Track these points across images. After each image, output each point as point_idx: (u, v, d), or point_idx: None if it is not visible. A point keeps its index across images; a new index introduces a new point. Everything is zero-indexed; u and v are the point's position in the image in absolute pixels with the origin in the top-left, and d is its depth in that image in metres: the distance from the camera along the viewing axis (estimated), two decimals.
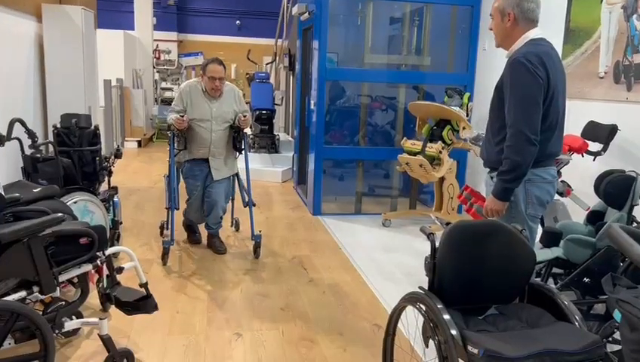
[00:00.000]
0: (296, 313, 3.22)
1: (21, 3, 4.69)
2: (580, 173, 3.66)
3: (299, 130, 6.58)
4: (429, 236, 2.10)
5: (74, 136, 4.03)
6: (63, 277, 2.27)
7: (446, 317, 1.86)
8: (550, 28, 4.13)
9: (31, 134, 3.42)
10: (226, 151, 4.11)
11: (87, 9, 5.26)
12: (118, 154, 4.49)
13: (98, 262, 2.37)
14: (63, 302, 2.30)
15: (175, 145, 4.07)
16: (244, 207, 4.21)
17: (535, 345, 1.74)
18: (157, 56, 11.35)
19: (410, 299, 2.12)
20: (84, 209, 3.60)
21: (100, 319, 2.32)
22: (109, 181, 4.20)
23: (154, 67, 11.02)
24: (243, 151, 4.20)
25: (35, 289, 2.18)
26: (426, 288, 2.10)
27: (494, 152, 2.44)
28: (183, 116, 3.89)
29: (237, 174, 4.31)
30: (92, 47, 5.54)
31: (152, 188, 6.45)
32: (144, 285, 2.60)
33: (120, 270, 2.50)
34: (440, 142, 4.74)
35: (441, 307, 1.90)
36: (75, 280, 2.35)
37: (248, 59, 8.74)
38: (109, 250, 2.43)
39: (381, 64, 5.76)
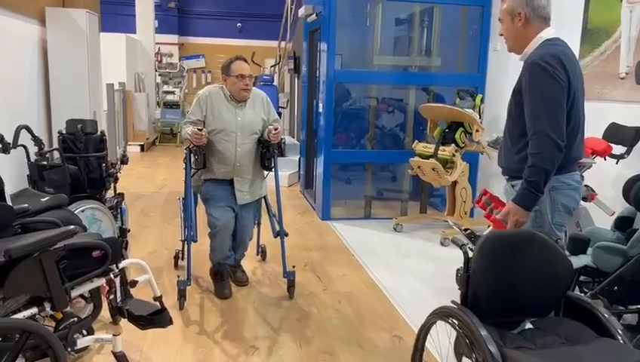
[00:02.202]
0: (312, 324, 3.11)
1: (24, 6, 4.59)
2: (601, 176, 3.56)
3: (305, 133, 6.48)
4: (462, 247, 2.00)
5: (80, 142, 3.93)
6: (75, 293, 2.16)
7: (484, 333, 1.76)
8: (567, 28, 4.03)
9: (37, 141, 3.32)
10: (253, 169, 3.40)
11: (91, 12, 5.15)
12: (124, 160, 4.40)
13: (111, 275, 2.27)
14: (75, 319, 2.19)
15: (192, 163, 3.36)
16: (275, 237, 3.55)
17: None
18: (159, 59, 11.25)
19: (442, 313, 2.02)
20: (92, 217, 3.50)
21: (114, 335, 2.22)
22: (114, 187, 4.10)
23: (156, 70, 10.92)
24: (272, 170, 3.49)
25: (47, 305, 2.08)
26: (459, 301, 2.00)
27: (515, 160, 2.32)
28: (201, 129, 3.17)
29: (265, 197, 3.61)
30: (96, 51, 5.44)
31: (157, 193, 6.35)
32: (158, 298, 2.50)
33: (134, 283, 2.40)
34: (453, 145, 4.64)
35: (478, 322, 1.79)
36: (88, 294, 2.25)
37: (253, 61, 8.63)
38: (123, 263, 2.32)
39: (390, 65, 5.66)
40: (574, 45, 4.10)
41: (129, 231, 4.04)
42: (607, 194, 3.42)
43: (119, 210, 3.93)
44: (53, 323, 2.19)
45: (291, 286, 3.45)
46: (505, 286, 1.95)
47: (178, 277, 3.29)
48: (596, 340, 1.83)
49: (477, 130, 4.69)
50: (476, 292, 1.93)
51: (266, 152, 3.41)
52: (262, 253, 4.14)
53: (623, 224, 2.83)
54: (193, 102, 3.39)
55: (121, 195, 4.27)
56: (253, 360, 2.70)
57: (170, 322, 2.50)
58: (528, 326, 2.07)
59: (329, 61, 5.05)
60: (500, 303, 1.96)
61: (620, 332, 1.83)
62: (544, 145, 2.14)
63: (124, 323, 2.54)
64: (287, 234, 3.52)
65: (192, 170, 3.39)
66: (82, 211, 3.36)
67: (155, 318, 2.44)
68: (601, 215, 3.38)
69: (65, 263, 2.10)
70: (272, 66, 8.60)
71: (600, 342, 1.81)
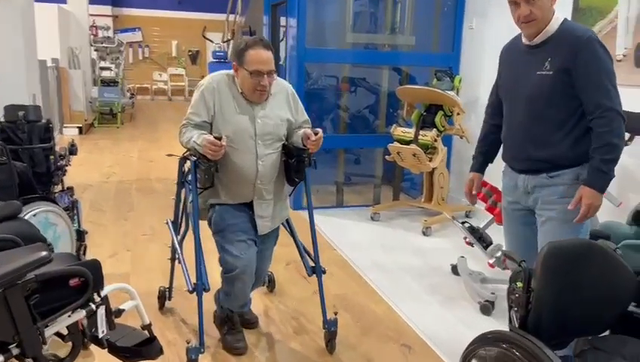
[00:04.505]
0: (312, 336, 2.81)
1: None
2: None
3: None
4: (520, 264, 1.73)
5: (22, 131, 3.42)
6: (49, 331, 1.75)
7: None
8: (555, 7, 3.85)
9: None
10: (276, 187, 2.60)
11: None
12: (73, 150, 3.89)
13: (92, 306, 1.86)
14: (52, 360, 1.78)
15: (198, 182, 2.48)
16: (309, 275, 2.70)
17: None
18: (94, 33, 10.37)
19: (494, 339, 1.77)
20: (46, 222, 3.00)
21: None
22: (62, 182, 3.60)
23: (91, 45, 10.05)
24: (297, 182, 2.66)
25: (15, 350, 1.66)
26: (512, 325, 1.75)
27: (565, 146, 2.14)
28: (219, 138, 2.31)
29: (288, 220, 2.79)
30: (30, 25, 4.78)
31: (106, 183, 5.78)
32: (147, 326, 2.11)
33: (119, 313, 2.00)
34: (435, 129, 4.41)
35: (552, 355, 1.54)
36: (65, 331, 1.83)
37: (204, 37, 8.06)
38: (105, 290, 1.91)
39: (362, 44, 5.34)
40: None
41: (87, 233, 3.55)
42: (612, 184, 3.29)
43: (76, 211, 3.43)
44: None
45: (332, 338, 2.63)
46: (567, 305, 1.72)
47: (187, 343, 2.40)
48: None
49: (458, 114, 4.49)
50: (540, 315, 1.68)
51: (296, 163, 2.56)
52: (269, 282, 3.27)
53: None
54: (195, 96, 2.52)
55: (70, 190, 3.77)
56: None
57: (160, 352, 2.12)
58: (583, 346, 1.86)
59: (299, 38, 4.66)
60: (563, 324, 1.73)
61: None
62: (617, 121, 2.06)
63: (96, 349, 2.13)
64: (324, 272, 2.69)
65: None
66: (34, 215, 2.86)
67: (143, 350, 2.07)
68: (606, 205, 3.25)
69: (36, 298, 1.68)
70: (224, 42, 8.05)
71: None
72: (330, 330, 2.63)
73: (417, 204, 4.92)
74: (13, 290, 1.60)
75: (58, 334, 1.85)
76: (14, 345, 1.65)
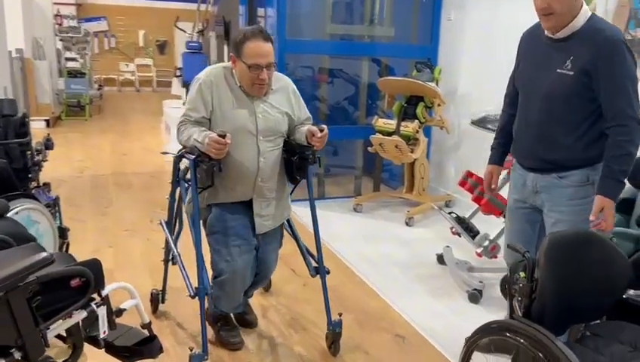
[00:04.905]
0: (307, 329, 2.81)
1: None
2: None
3: None
4: (525, 254, 1.77)
5: None
6: (51, 334, 1.70)
7: (569, 353, 1.55)
8: None
9: None
10: (276, 185, 2.52)
11: None
12: (49, 145, 3.81)
13: (93, 306, 1.82)
14: None
15: (198, 181, 2.36)
16: (313, 276, 2.65)
17: None
18: (59, 22, 10.03)
19: (499, 328, 1.80)
20: (28, 219, 2.90)
21: None
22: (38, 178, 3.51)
23: (56, 35, 9.72)
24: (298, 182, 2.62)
25: (17, 354, 1.61)
26: (515, 314, 1.79)
27: (577, 149, 2.10)
28: (224, 136, 2.21)
29: (288, 219, 2.73)
30: None
31: (79, 177, 5.63)
32: (147, 325, 2.07)
33: (120, 312, 1.95)
34: (417, 121, 4.45)
35: (563, 346, 1.58)
36: (65, 333, 1.79)
37: (176, 27, 7.90)
38: (106, 289, 1.87)
39: (343, 35, 5.32)
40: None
41: (69, 230, 3.45)
42: None
43: (57, 208, 3.34)
44: None
45: (336, 339, 2.57)
46: (569, 293, 1.77)
47: (190, 350, 2.29)
48: None
49: (439, 105, 4.53)
50: (544, 303, 1.72)
51: (299, 160, 2.47)
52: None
53: (624, 206, 2.77)
54: (191, 91, 2.41)
55: (47, 186, 3.68)
56: None
57: (160, 350, 2.09)
58: (581, 332, 1.91)
59: (279, 29, 4.62)
60: (565, 312, 1.77)
61: None
62: (637, 131, 2.00)
63: (88, 350, 2.07)
64: (328, 272, 2.63)
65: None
66: (16, 213, 2.76)
67: (144, 349, 2.03)
68: None
69: (39, 300, 1.63)
70: (197, 32, 7.91)
71: None
72: (335, 331, 2.56)
73: (399, 195, 4.96)
74: (16, 293, 1.56)
75: (58, 336, 1.80)
76: (16, 348, 1.61)
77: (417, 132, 4.42)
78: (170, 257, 2.72)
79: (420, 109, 4.50)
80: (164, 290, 2.87)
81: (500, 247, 3.20)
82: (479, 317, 2.93)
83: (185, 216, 2.61)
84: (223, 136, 2.20)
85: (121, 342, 2.03)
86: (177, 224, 2.74)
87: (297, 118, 2.53)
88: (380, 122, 4.56)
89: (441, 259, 3.62)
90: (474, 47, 4.72)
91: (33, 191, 3.41)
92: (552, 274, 1.73)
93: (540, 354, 1.61)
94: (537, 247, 2.05)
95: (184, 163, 2.48)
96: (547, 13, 2.01)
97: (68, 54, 9.89)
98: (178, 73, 7.44)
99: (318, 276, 2.62)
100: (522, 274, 1.81)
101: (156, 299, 2.86)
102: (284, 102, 2.48)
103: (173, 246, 2.60)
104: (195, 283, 2.37)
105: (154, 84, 13.72)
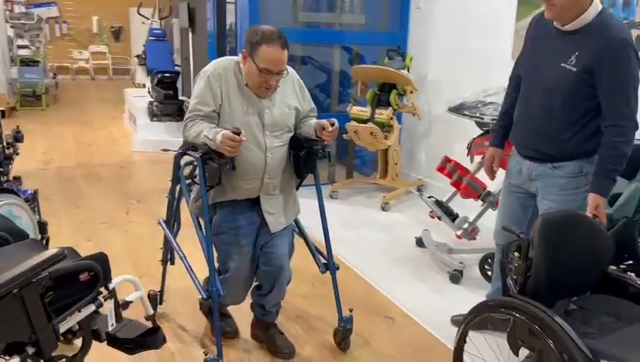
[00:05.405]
0: (301, 318, 2.87)
1: None
2: None
3: None
4: (520, 235, 1.87)
5: None
6: (62, 328, 1.70)
7: (563, 324, 1.67)
8: None
9: None
10: (283, 181, 2.45)
11: None
12: (19, 138, 3.71)
13: (101, 299, 1.82)
14: (64, 360, 1.74)
15: (207, 179, 2.27)
16: (322, 272, 2.62)
17: None
18: (10, 8, 9.61)
19: (495, 306, 1.91)
20: (10, 214, 2.84)
21: None
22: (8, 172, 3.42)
23: (7, 21, 9.30)
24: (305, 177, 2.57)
25: (30, 350, 1.60)
26: (511, 291, 1.90)
27: (573, 144, 2.18)
28: (238, 133, 2.12)
29: (296, 219, 2.67)
30: None
31: (45, 170, 5.47)
32: (151, 317, 2.08)
33: (126, 305, 1.96)
34: (390, 108, 4.54)
35: (560, 321, 1.69)
36: (76, 327, 1.78)
37: (139, 14, 7.70)
38: (113, 282, 1.87)
39: (314, 23, 5.34)
40: (511, 6, 4.13)
41: (47, 224, 3.38)
42: None
43: (36, 202, 3.27)
44: None
45: (346, 335, 2.57)
46: (562, 270, 1.89)
47: (205, 354, 2.27)
48: None
49: (411, 92, 4.63)
50: (539, 281, 1.84)
51: (307, 155, 2.40)
52: None
53: None
54: (199, 84, 2.28)
55: (18, 179, 3.60)
56: None
57: (164, 341, 2.10)
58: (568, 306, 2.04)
59: (251, 17, 4.60)
60: (556, 288, 1.90)
61: None
62: (633, 133, 2.08)
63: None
64: (338, 268, 2.61)
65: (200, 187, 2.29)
66: None
67: (148, 340, 2.04)
68: None
69: (51, 295, 1.63)
70: (162, 19, 7.73)
71: None
72: (347, 328, 2.55)
73: (373, 181, 5.06)
74: (29, 289, 1.55)
75: (69, 331, 1.80)
76: (30, 344, 1.60)
77: (391, 119, 4.52)
78: (169, 257, 2.70)
79: (392, 96, 4.59)
80: (162, 291, 2.82)
81: (478, 229, 3.33)
82: (461, 296, 3.10)
83: (183, 216, 2.57)
84: (238, 134, 2.11)
85: (123, 334, 2.02)
86: (175, 224, 2.68)
87: (303, 109, 2.47)
88: (355, 110, 4.63)
89: (420, 242, 3.74)
90: (444, 35, 4.82)
91: (5, 186, 3.32)
92: (545, 252, 1.84)
93: (537, 327, 1.73)
94: (528, 229, 2.16)
95: (184, 160, 2.42)
96: (549, 4, 2.03)
97: (20, 42, 9.50)
98: (142, 61, 7.27)
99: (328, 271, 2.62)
100: (516, 254, 1.92)
101: (155, 301, 2.68)
102: (291, 95, 2.41)
103: (176, 246, 2.52)
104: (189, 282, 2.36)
105: (110, 72, 13.33)
